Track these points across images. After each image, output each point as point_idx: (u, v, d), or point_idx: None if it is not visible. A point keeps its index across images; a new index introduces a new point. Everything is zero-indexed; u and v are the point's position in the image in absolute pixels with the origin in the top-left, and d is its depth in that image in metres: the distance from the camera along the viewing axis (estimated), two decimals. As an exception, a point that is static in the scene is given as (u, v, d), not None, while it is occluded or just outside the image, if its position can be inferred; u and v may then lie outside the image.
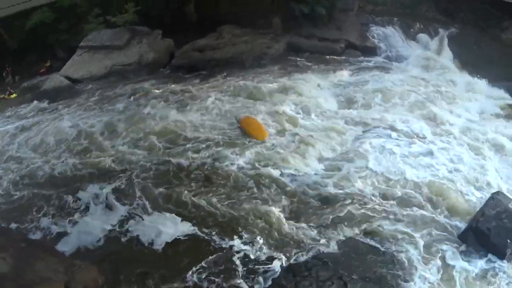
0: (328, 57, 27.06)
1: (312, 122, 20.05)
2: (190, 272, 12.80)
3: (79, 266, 12.20)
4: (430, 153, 17.47)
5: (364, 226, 14.18)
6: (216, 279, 12.61)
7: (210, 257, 13.28)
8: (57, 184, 17.46)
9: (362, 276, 12.45)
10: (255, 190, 16.09)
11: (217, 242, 13.88)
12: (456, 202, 14.91)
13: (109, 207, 15.59)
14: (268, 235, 14.00)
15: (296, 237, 13.89)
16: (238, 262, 13.10)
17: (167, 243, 14.03)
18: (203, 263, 13.06)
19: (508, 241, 12.81)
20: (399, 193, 15.51)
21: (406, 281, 12.28)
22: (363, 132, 19.20)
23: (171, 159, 18.01)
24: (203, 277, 12.68)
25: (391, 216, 14.55)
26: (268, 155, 17.82)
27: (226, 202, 15.52)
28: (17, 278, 11.00)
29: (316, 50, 27.68)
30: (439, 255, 13.02)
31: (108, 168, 17.99)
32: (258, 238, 13.85)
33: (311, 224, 14.37)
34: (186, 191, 16.14)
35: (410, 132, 18.89)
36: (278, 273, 12.70)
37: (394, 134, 18.68)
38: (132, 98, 23.95)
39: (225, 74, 25.64)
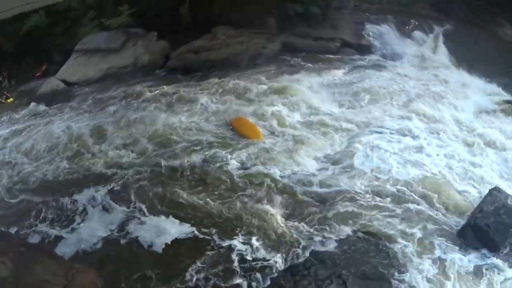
0: (323, 56, 27.14)
1: (305, 122, 20.09)
2: (190, 273, 12.75)
3: (78, 269, 12.16)
4: (425, 150, 17.53)
5: (360, 223, 14.19)
6: (216, 279, 12.58)
7: (209, 258, 13.25)
8: (52, 188, 17.36)
9: (361, 274, 12.46)
10: (250, 190, 16.04)
11: (215, 243, 13.83)
12: (452, 198, 14.93)
13: (106, 209, 15.58)
14: (265, 234, 13.98)
15: (294, 236, 13.86)
16: (236, 262, 13.07)
17: (166, 244, 13.98)
18: (202, 264, 13.02)
19: (507, 237, 12.84)
20: (394, 190, 15.52)
21: (405, 278, 12.27)
22: (357, 130, 19.24)
23: (164, 162, 17.93)
24: (203, 277, 12.64)
25: (387, 213, 14.55)
26: (262, 155, 17.80)
27: (222, 203, 15.47)
28: (17, 281, 10.99)
29: (311, 49, 27.76)
30: (437, 251, 13.01)
31: (100, 172, 17.86)
32: (256, 237, 13.82)
33: (308, 223, 14.36)
34: (181, 193, 16.10)
35: (405, 129, 18.92)
36: (277, 272, 12.70)
37: (388, 132, 18.74)
38: (125, 101, 23.88)
39: (220, 75, 25.57)
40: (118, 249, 14.11)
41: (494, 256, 12.71)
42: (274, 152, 17.92)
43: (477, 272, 12.38)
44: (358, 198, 15.29)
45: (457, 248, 13.11)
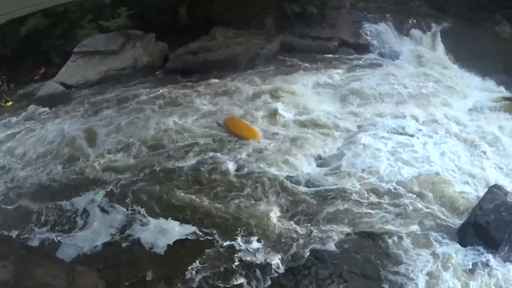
0: (321, 55, 27.14)
1: (302, 122, 20.16)
2: (191, 274, 12.80)
3: (79, 272, 12.18)
4: (422, 148, 17.58)
5: (360, 222, 14.27)
6: (217, 280, 12.64)
7: (210, 258, 13.30)
8: (50, 192, 17.39)
9: (361, 273, 12.53)
10: (247, 190, 16.12)
11: (215, 243, 13.89)
12: (451, 196, 14.98)
13: (106, 211, 15.60)
14: (264, 234, 14.05)
15: (293, 235, 13.93)
16: (237, 262, 13.13)
17: (167, 245, 14.03)
18: (203, 264, 13.07)
19: (507, 234, 12.87)
20: (393, 189, 15.59)
21: (405, 276, 12.33)
22: (352, 130, 19.31)
23: (161, 163, 18.01)
24: (204, 278, 12.70)
25: (385, 212, 14.64)
26: (259, 155, 17.90)
27: (220, 203, 15.53)
28: (18, 285, 11.01)
29: (310, 49, 27.77)
30: (436, 248, 13.07)
31: (96, 175, 17.89)
32: (255, 238, 13.89)
33: (308, 223, 14.43)
34: (179, 194, 16.17)
35: (401, 128, 19.03)
36: (278, 272, 12.75)
37: (383, 131, 18.80)
38: (122, 103, 23.81)
39: (219, 76, 25.63)
40: (119, 251, 14.16)
41: (494, 253, 12.73)
42: (269, 153, 17.99)
43: (477, 269, 12.40)
44: (355, 197, 15.36)
45: (456, 245, 13.16)
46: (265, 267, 12.88)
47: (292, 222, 14.52)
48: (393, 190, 15.55)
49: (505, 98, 21.34)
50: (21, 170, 19.00)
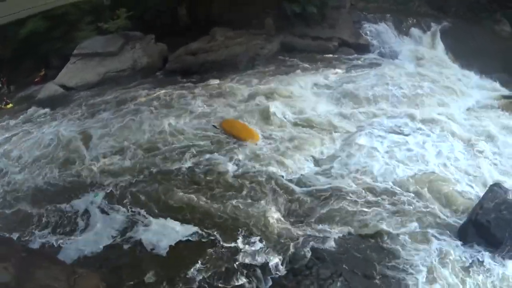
0: (321, 55, 27.20)
1: (299, 122, 20.20)
2: (192, 274, 12.81)
3: (80, 274, 12.17)
4: (421, 147, 17.61)
5: (359, 221, 14.31)
6: (218, 281, 12.64)
7: (210, 259, 13.32)
8: (49, 195, 17.35)
9: (362, 272, 12.53)
10: (246, 190, 16.15)
11: (216, 244, 13.91)
12: (449, 194, 15.02)
13: (106, 213, 15.59)
14: (265, 234, 14.07)
15: (293, 235, 13.95)
16: (238, 262, 13.14)
17: (169, 247, 14.02)
18: (204, 265, 13.08)
19: (508, 232, 12.85)
20: (391, 188, 15.65)
21: (405, 274, 12.35)
22: (350, 130, 19.32)
23: (158, 165, 18.02)
24: (205, 278, 12.70)
25: (385, 211, 14.68)
26: (258, 156, 17.93)
27: (220, 204, 15.55)
28: (19, 287, 11.00)
29: (310, 49, 27.83)
30: (436, 247, 13.10)
31: (95, 177, 17.87)
32: (256, 238, 13.92)
33: (307, 223, 14.48)
34: (179, 196, 16.18)
35: (400, 127, 19.05)
36: (278, 272, 12.76)
37: (382, 131, 18.81)
38: (120, 105, 23.75)
39: (218, 77, 25.66)
40: (120, 253, 14.15)
41: (495, 252, 12.74)
42: (267, 153, 18.00)
43: (478, 268, 12.43)
44: (353, 196, 15.40)
45: (457, 244, 13.17)
46: (266, 267, 12.89)
47: (291, 222, 14.56)
48: (390, 189, 15.61)
49: (505, 97, 21.39)
50: (18, 173, 18.93)
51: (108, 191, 16.95)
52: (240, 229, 14.34)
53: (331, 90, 22.85)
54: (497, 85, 22.40)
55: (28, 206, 16.75)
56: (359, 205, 14.98)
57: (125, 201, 16.34)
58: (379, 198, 15.26)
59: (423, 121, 19.33)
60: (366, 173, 16.41)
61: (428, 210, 14.50)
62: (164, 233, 14.47)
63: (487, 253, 12.78)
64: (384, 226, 13.94)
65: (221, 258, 13.36)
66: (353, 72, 24.71)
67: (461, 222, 13.85)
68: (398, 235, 13.61)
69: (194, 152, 18.51)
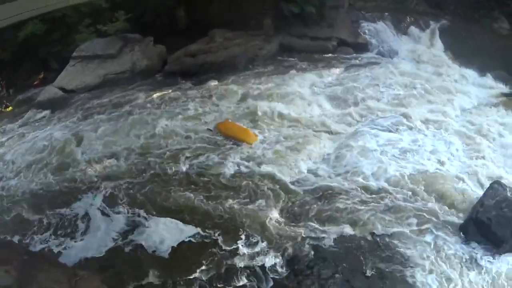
0: (320, 55, 27.22)
1: (298, 122, 20.18)
2: (193, 275, 12.83)
3: (82, 276, 12.20)
4: (422, 146, 17.66)
5: (359, 221, 14.34)
6: (219, 281, 12.66)
7: (211, 260, 13.34)
8: (49, 198, 17.30)
9: (363, 272, 12.55)
10: (247, 191, 16.18)
11: (217, 245, 13.92)
12: (451, 192, 15.03)
13: (107, 215, 15.60)
14: (266, 235, 14.08)
15: (294, 235, 13.98)
16: (239, 263, 13.17)
17: (171, 248, 14.03)
18: (205, 266, 13.11)
19: (508, 230, 12.87)
20: (391, 187, 15.68)
21: (405, 274, 12.38)
22: (347, 130, 19.36)
23: (156, 167, 18.00)
24: (206, 280, 12.73)
25: (384, 209, 14.74)
26: (255, 157, 17.92)
27: (220, 205, 15.58)
28: (21, 290, 11.04)
29: (309, 49, 27.84)
30: (437, 245, 13.14)
31: (92, 180, 17.82)
32: (257, 238, 13.95)
33: (308, 223, 14.49)
34: (179, 197, 16.20)
35: (399, 126, 19.17)
36: (279, 272, 12.79)
37: (379, 130, 18.90)
38: (118, 108, 23.69)
39: (217, 78, 25.60)
40: (121, 255, 14.15)
41: (496, 249, 12.78)
42: (266, 154, 18.00)
43: (478, 266, 12.46)
44: (352, 195, 15.48)
45: (458, 241, 13.21)
46: (267, 268, 12.92)
47: (291, 222, 14.60)
48: (388, 187, 15.65)
49: (504, 94, 21.48)
50: (13, 178, 18.82)
51: (106, 193, 16.94)
52: (240, 230, 14.36)
53: (330, 89, 22.84)
54: (496, 83, 22.44)
55: (29, 209, 16.69)
56: (357, 204, 15.04)
57: (125, 203, 16.34)
58: (376, 196, 15.32)
59: (423, 119, 19.39)
60: (363, 172, 16.41)
61: (430, 209, 14.51)
62: (165, 234, 14.46)
63: (488, 251, 12.81)
64: (383, 225, 13.98)
65: (222, 259, 13.37)
66: (352, 71, 24.73)
67: (460, 220, 13.88)
68: (397, 233, 13.66)
69: (191, 154, 18.53)
